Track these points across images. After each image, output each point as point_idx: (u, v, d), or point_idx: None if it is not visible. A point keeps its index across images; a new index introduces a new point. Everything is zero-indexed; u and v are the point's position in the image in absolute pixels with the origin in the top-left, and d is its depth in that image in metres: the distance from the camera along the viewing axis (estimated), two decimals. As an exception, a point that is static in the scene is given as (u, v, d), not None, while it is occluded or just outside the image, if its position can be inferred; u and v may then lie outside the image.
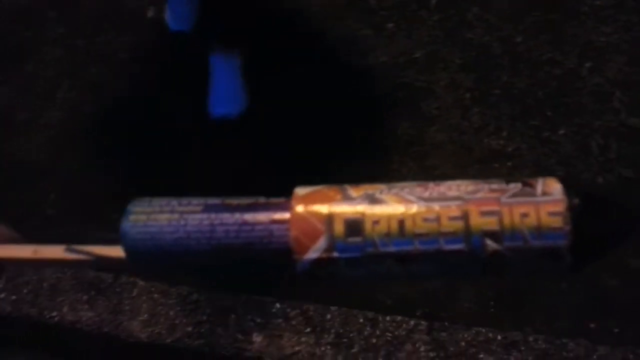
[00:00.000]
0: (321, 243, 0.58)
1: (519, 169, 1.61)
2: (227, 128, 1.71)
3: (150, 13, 1.91)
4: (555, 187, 0.58)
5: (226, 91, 1.74)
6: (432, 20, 1.85)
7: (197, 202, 0.64)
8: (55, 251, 0.70)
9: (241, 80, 1.75)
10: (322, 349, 1.38)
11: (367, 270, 0.58)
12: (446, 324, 1.40)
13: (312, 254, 0.58)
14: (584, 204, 0.56)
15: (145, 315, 1.45)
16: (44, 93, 1.85)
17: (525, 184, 0.59)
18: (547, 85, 1.71)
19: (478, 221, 0.56)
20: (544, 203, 0.56)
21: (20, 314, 1.50)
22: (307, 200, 0.60)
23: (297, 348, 1.38)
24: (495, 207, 0.57)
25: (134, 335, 1.44)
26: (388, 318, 1.41)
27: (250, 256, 0.61)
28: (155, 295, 1.48)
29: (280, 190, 0.58)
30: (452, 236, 0.57)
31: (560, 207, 0.56)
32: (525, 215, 0.56)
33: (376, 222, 0.58)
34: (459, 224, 0.57)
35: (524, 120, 1.67)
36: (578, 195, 0.56)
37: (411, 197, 0.60)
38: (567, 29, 1.79)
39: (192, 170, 1.65)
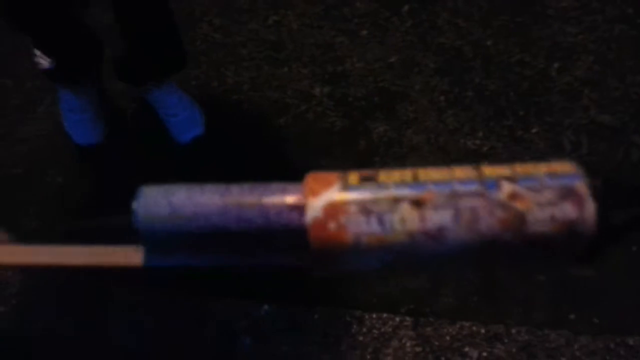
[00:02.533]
0: (334, 188, 0.56)
1: (495, 167, 1.65)
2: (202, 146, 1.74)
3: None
4: (564, 162, 0.56)
5: (189, 115, 1.74)
6: (405, 26, 1.90)
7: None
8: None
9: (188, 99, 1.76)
10: (309, 348, 1.40)
11: (382, 220, 0.54)
12: (431, 319, 1.43)
13: (325, 197, 0.55)
14: (604, 187, 0.54)
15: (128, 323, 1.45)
16: (24, 105, 1.86)
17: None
18: (518, 86, 1.77)
19: (491, 170, 0.55)
20: (554, 162, 0.55)
21: None
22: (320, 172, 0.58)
23: (284, 349, 1.40)
24: (506, 165, 0.56)
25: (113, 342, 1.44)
26: (374, 315, 1.43)
27: (265, 211, 0.57)
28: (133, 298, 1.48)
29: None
30: (466, 179, 0.54)
31: (570, 164, 0.55)
32: (536, 166, 0.55)
33: (390, 174, 0.56)
34: (472, 173, 0.55)
35: (497, 120, 1.72)
36: (598, 177, 0.54)
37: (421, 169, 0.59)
38: (535, 31, 1.85)
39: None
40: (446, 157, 1.67)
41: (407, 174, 0.56)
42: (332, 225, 0.55)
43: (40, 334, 1.47)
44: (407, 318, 1.43)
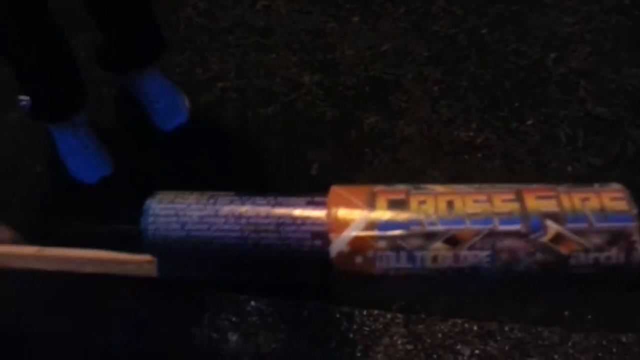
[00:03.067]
0: (361, 219, 0.51)
1: (489, 159, 1.61)
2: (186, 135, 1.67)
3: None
4: (613, 184, 0.52)
5: (172, 103, 1.68)
6: (398, 13, 1.85)
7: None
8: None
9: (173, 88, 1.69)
10: (299, 345, 1.36)
11: (412, 257, 0.49)
12: (422, 316, 1.40)
13: (351, 231, 0.50)
14: None
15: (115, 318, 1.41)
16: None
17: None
18: (513, 76, 1.73)
19: (535, 203, 0.49)
20: (604, 191, 0.50)
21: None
22: (345, 187, 0.54)
23: (273, 345, 1.35)
24: (551, 193, 0.50)
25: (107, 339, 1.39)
26: (365, 312, 1.39)
27: (284, 238, 0.53)
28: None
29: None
30: (507, 216, 0.49)
31: (622, 194, 0.50)
32: (586, 199, 0.49)
33: (422, 202, 0.51)
34: (514, 205, 0.49)
35: (492, 111, 1.68)
36: None
37: (459, 186, 0.53)
38: (531, 20, 1.81)
39: (159, 175, 1.60)
40: (439, 149, 1.63)
41: (441, 202, 0.50)
42: (358, 259, 0.50)
43: (40, 333, 1.42)
44: (399, 315, 1.39)
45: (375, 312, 1.39)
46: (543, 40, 1.77)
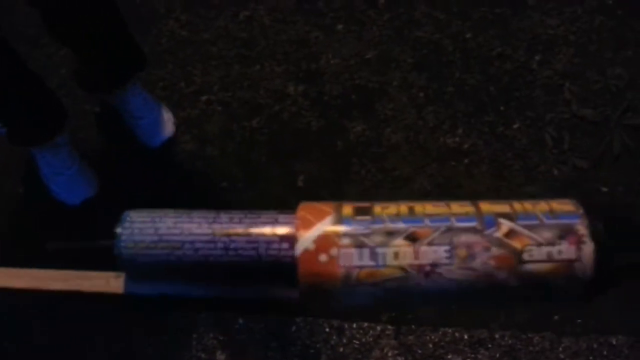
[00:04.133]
0: (327, 220, 0.53)
1: (476, 165, 1.61)
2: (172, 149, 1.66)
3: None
4: (564, 200, 0.55)
5: (157, 118, 1.65)
6: (382, 20, 1.84)
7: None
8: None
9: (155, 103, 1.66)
10: (289, 362, 1.35)
11: (374, 254, 0.51)
12: (413, 327, 1.39)
13: (317, 229, 0.53)
14: (605, 228, 0.52)
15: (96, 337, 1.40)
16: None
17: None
18: (498, 80, 1.72)
19: (488, 207, 0.53)
20: (553, 200, 0.53)
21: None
22: (313, 203, 0.57)
23: (263, 363, 1.35)
24: (504, 201, 0.54)
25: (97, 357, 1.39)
26: (354, 325, 1.39)
27: (254, 241, 0.55)
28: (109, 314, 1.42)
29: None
30: (464, 215, 0.52)
31: (570, 202, 0.53)
32: (536, 204, 0.53)
33: (385, 207, 0.54)
34: (470, 208, 0.53)
35: (478, 116, 1.67)
36: (600, 219, 0.52)
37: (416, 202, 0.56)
38: (514, 23, 1.80)
39: (144, 192, 1.59)
40: (426, 155, 1.63)
41: (403, 207, 0.54)
42: (323, 258, 0.53)
43: (30, 353, 1.41)
44: (389, 327, 1.39)
45: (365, 324, 1.39)
46: (527, 43, 1.76)
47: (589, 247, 0.50)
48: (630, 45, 1.74)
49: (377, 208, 0.54)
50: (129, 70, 1.57)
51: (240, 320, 1.39)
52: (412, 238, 0.52)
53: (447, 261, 0.51)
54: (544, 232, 0.50)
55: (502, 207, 0.53)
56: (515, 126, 1.66)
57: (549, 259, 0.51)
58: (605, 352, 1.38)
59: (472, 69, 1.74)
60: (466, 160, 1.62)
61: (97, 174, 1.62)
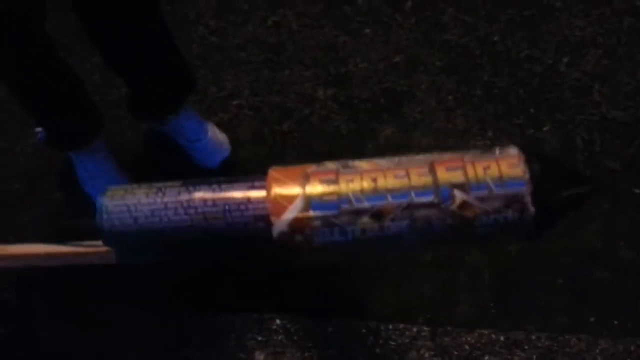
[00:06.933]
0: (298, 201, 0.60)
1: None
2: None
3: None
4: (510, 148, 0.64)
5: (213, 138, 1.62)
6: (409, 24, 1.85)
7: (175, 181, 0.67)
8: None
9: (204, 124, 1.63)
10: (326, 363, 1.35)
11: (344, 231, 0.59)
12: (448, 328, 1.39)
13: (288, 214, 0.59)
14: (543, 169, 0.61)
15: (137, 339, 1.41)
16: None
17: (484, 149, 0.65)
18: (527, 83, 1.72)
19: (445, 175, 0.60)
20: (502, 158, 0.62)
21: None
22: (282, 169, 0.64)
23: (300, 364, 1.35)
24: (459, 164, 0.62)
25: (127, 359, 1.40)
26: (390, 327, 1.39)
27: (229, 222, 0.62)
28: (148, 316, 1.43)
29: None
30: (422, 189, 0.60)
31: (517, 160, 0.61)
32: (487, 168, 0.61)
33: (350, 180, 0.61)
34: (427, 179, 0.60)
35: (507, 119, 1.68)
36: (538, 160, 0.61)
37: (382, 162, 0.65)
38: (542, 25, 1.80)
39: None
40: (456, 158, 1.63)
41: (366, 180, 0.60)
42: (298, 237, 0.60)
43: (37, 352, 1.42)
44: (425, 328, 1.39)
45: (401, 325, 1.39)
46: (555, 45, 1.77)
47: (530, 212, 0.59)
48: (660, 46, 1.74)
49: (343, 182, 0.61)
50: (183, 93, 1.55)
51: (278, 321, 1.39)
52: (377, 216, 0.59)
53: (407, 231, 0.60)
54: (493, 203, 0.59)
55: (457, 176, 0.60)
56: (545, 128, 1.66)
57: (495, 223, 0.59)
58: (642, 355, 1.37)
59: (501, 72, 1.75)
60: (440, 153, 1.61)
61: (131, 178, 1.63)
